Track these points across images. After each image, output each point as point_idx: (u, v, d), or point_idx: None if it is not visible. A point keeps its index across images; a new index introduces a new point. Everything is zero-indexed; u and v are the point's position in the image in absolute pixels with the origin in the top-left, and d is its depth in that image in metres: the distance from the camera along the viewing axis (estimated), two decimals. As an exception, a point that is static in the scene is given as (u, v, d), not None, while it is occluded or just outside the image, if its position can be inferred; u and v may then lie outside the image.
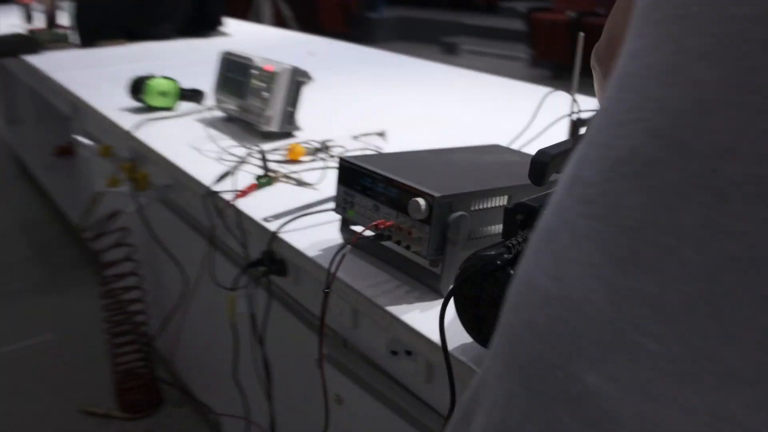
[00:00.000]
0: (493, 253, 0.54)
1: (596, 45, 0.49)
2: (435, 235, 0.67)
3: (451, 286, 0.56)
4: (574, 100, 0.72)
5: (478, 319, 0.56)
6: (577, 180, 0.31)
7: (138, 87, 1.43)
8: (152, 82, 1.41)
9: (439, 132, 1.31)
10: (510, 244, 0.53)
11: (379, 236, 0.69)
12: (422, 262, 0.70)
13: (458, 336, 0.60)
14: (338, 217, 0.85)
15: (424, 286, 0.72)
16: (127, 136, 1.30)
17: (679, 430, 0.25)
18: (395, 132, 1.26)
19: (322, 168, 1.08)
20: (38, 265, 2.45)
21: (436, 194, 0.66)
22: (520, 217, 0.56)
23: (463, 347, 0.61)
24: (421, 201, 0.66)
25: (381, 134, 1.23)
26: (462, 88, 1.71)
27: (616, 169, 0.29)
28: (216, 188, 0.99)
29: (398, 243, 0.69)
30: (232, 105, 1.30)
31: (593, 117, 0.33)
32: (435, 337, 0.63)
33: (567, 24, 5.26)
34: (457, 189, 0.68)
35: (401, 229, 0.68)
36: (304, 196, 0.97)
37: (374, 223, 0.68)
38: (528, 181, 0.77)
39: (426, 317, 0.67)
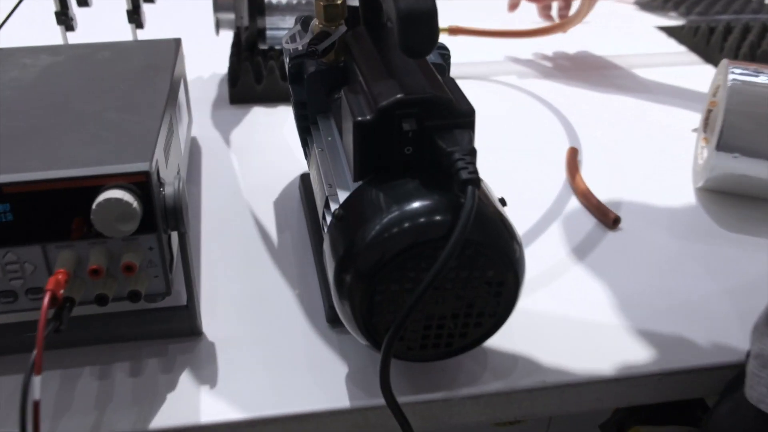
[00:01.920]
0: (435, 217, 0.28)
1: None
2: (165, 243, 0.33)
3: (418, 292, 0.28)
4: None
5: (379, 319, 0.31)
6: None
7: None
8: None
9: None
10: (463, 176, 0.29)
11: (59, 313, 0.30)
12: (142, 305, 0.35)
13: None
14: None
15: (152, 339, 0.37)
16: None
17: None
18: None
19: None
20: None
21: (143, 167, 0.31)
22: (410, 127, 0.30)
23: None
24: (125, 195, 0.30)
25: None
26: None
27: None
28: None
29: (101, 300, 0.32)
30: None
31: None
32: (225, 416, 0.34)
33: None
34: (142, 143, 0.34)
35: (98, 272, 0.31)
36: None
37: (49, 291, 0.29)
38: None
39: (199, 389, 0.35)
